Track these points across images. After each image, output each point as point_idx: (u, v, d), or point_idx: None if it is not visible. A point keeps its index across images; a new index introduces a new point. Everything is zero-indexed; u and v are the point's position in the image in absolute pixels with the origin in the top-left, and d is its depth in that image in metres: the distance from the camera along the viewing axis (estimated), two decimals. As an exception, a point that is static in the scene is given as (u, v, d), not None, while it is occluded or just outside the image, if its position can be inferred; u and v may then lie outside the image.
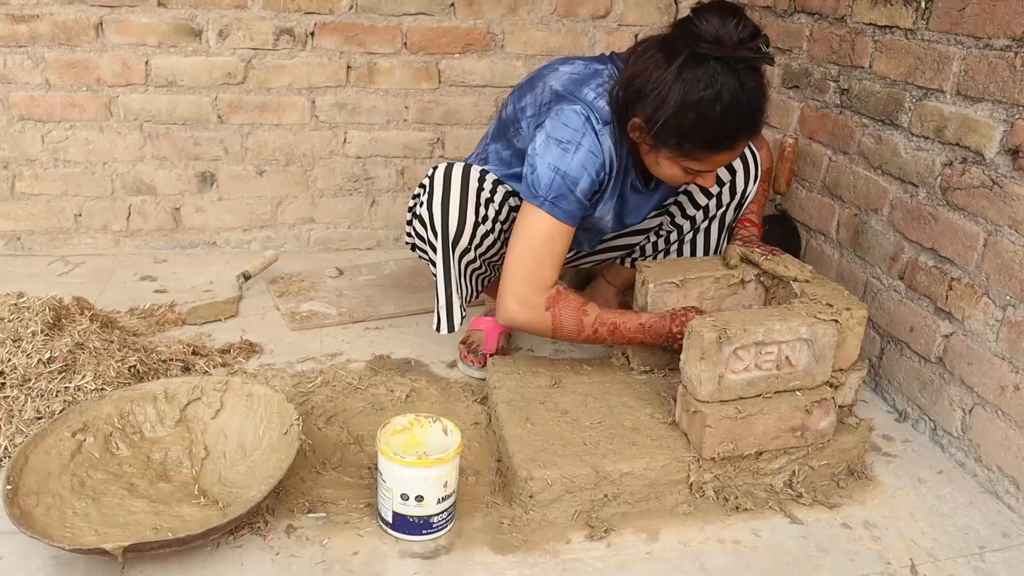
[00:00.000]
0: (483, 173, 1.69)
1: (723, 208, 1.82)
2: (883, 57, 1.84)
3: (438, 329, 1.74)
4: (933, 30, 1.68)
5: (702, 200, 1.82)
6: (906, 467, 1.63)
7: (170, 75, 2.34)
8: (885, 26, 1.82)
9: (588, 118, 1.53)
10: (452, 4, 2.39)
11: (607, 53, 1.66)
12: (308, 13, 2.33)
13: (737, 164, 1.77)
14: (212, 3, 2.28)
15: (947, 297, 1.66)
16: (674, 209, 1.87)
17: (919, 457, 1.67)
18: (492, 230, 1.69)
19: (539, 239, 1.53)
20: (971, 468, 1.61)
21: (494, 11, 2.42)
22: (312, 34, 2.36)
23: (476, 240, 1.67)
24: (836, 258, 2.04)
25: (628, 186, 1.68)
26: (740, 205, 1.82)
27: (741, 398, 1.44)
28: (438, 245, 1.67)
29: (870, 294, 1.91)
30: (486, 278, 1.86)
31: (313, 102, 2.44)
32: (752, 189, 1.80)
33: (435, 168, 1.68)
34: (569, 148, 1.51)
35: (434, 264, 1.71)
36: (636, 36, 2.53)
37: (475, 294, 1.83)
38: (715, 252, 1.90)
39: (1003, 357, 1.53)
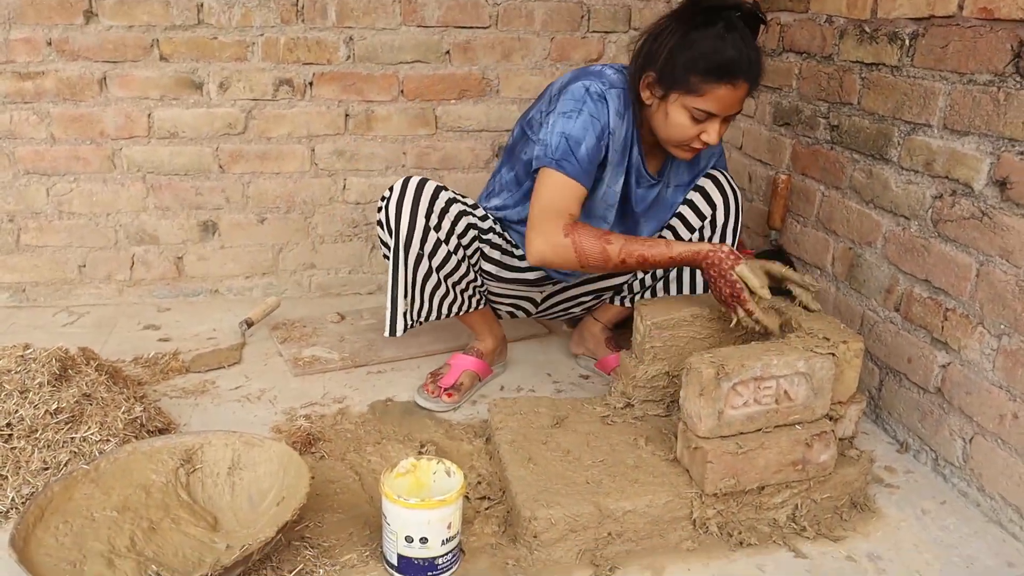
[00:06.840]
0: (439, 188, 1.79)
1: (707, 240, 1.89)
2: (870, 93, 1.88)
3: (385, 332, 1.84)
4: (918, 67, 1.72)
5: (685, 234, 1.89)
6: (909, 498, 1.64)
7: (172, 127, 2.38)
8: (871, 63, 1.87)
9: (588, 89, 1.65)
10: (447, 52, 2.44)
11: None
12: (306, 64, 2.38)
13: (717, 198, 1.86)
14: (213, 56, 2.33)
15: (943, 328, 1.68)
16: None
17: (922, 488, 1.68)
18: (447, 241, 1.79)
19: (550, 192, 1.64)
20: (974, 498, 1.62)
21: (488, 58, 2.47)
22: (311, 84, 2.41)
23: (429, 247, 1.77)
24: (832, 292, 2.06)
25: (633, 168, 1.77)
26: (723, 236, 1.88)
27: (741, 433, 1.45)
28: (391, 245, 1.79)
29: (867, 326, 1.93)
30: (453, 304, 1.90)
31: (312, 150, 2.48)
32: (731, 223, 1.87)
33: (400, 179, 1.79)
34: (572, 115, 1.65)
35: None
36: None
37: (432, 313, 1.87)
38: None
39: (1000, 386, 1.54)
